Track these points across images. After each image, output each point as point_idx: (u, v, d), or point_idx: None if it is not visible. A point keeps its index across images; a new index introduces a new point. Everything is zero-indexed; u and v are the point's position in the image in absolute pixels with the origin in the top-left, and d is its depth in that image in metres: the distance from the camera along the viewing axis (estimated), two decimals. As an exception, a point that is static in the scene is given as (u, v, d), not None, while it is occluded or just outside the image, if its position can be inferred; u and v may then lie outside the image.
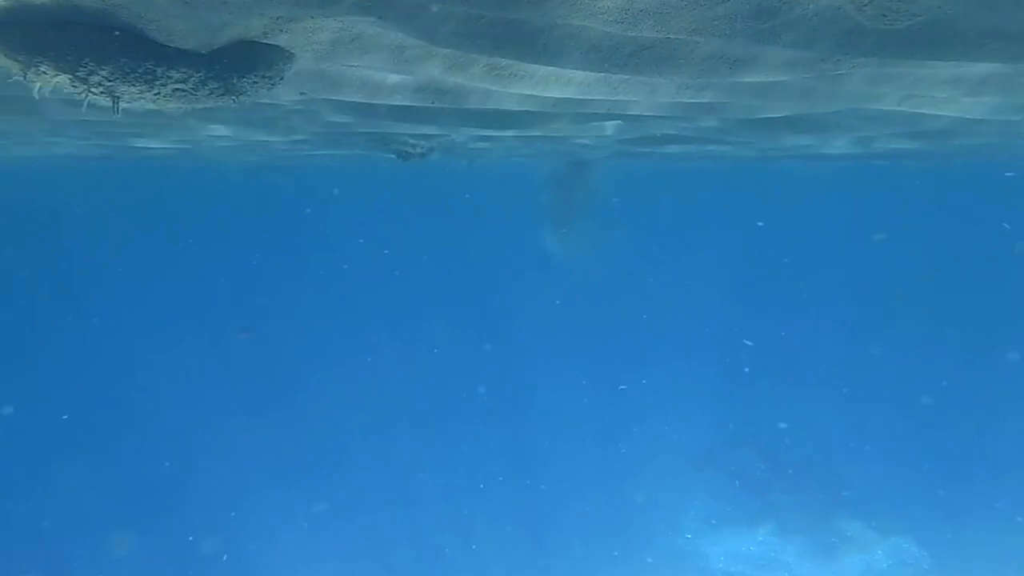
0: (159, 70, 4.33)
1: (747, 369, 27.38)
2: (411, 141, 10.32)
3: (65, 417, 26.79)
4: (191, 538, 21.76)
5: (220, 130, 9.60)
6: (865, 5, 4.25)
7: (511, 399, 28.34)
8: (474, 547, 22.15)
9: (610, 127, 9.36)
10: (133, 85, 4.36)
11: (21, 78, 4.47)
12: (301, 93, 6.35)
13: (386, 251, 36.11)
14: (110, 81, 4.23)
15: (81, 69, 4.18)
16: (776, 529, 20.83)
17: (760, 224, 34.73)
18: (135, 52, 4.20)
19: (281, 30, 4.59)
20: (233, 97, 4.90)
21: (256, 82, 4.84)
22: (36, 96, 4.48)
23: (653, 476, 23.08)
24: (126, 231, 35.78)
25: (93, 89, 4.40)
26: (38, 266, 35.97)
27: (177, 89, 4.53)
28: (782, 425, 22.96)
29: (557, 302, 30.90)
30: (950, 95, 6.72)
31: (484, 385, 28.90)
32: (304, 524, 23.07)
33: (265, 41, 4.71)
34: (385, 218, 35.21)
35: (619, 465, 24.36)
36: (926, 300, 30.48)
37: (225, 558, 21.34)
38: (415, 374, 29.89)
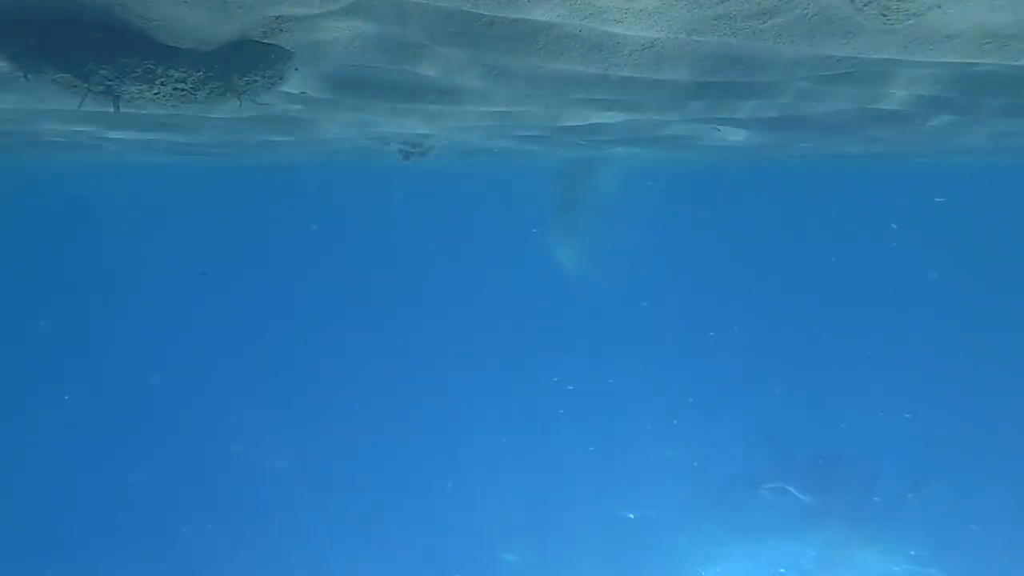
0: (159, 69, 4.35)
1: (762, 375, 27.26)
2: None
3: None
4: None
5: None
6: (865, 5, 4.26)
7: (512, 413, 28.29)
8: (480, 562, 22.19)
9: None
10: (133, 84, 4.39)
11: (22, 78, 4.49)
12: (300, 92, 6.36)
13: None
14: (110, 80, 4.26)
15: (81, 68, 4.21)
16: (794, 538, 20.70)
17: (768, 224, 34.59)
18: (135, 51, 4.22)
19: (281, 29, 4.60)
20: (234, 96, 4.92)
21: (256, 81, 4.86)
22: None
23: (668, 490, 22.87)
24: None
25: (93, 88, 4.43)
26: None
27: (177, 88, 4.55)
28: (802, 431, 22.77)
29: (568, 320, 30.79)
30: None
31: (483, 396, 28.98)
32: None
33: (265, 40, 4.72)
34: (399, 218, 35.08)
35: (629, 475, 24.24)
36: (945, 302, 30.35)
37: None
38: (416, 380, 29.99)
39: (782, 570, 20.41)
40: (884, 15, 4.32)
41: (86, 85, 4.35)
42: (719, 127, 9.21)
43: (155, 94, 4.50)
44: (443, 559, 22.63)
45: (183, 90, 4.57)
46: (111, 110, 4.53)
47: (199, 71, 4.44)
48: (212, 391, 28.89)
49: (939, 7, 4.30)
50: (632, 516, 22.27)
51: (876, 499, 20.91)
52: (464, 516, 23.39)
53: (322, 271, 35.54)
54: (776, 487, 21.13)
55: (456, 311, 34.40)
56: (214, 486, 24.90)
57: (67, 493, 25.17)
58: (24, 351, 30.79)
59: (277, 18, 4.39)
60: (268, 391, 28.67)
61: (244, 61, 4.64)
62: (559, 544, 22.08)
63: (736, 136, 9.79)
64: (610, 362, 29.51)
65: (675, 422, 25.34)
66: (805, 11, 4.41)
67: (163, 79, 4.41)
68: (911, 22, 4.45)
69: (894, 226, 30.77)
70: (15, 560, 22.88)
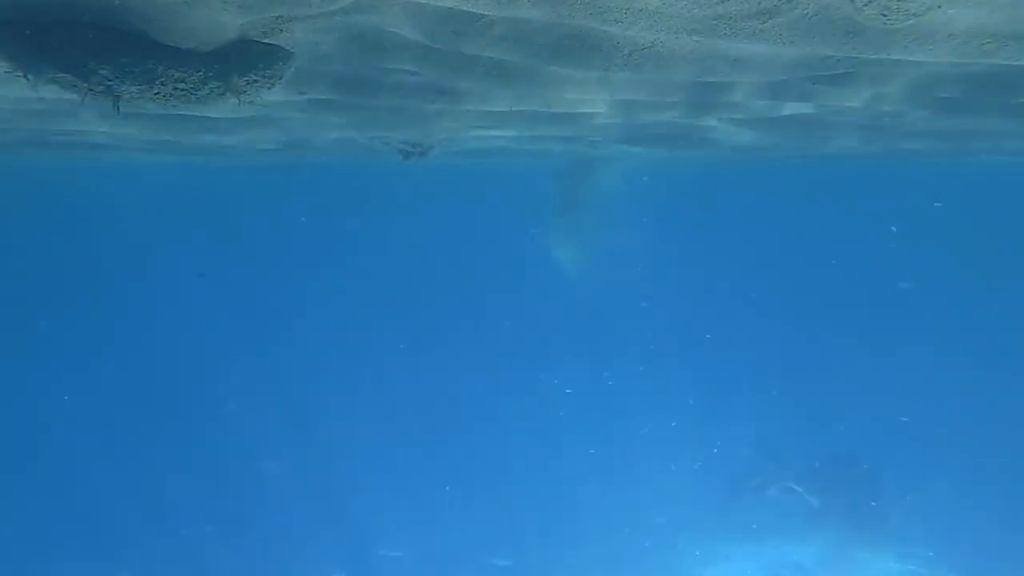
0: (159, 69, 4.35)
1: (763, 376, 27.21)
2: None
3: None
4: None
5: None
6: (865, 5, 4.25)
7: (517, 413, 28.25)
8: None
9: None
10: (133, 84, 4.38)
11: (22, 77, 4.49)
12: (300, 92, 6.36)
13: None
14: (110, 80, 4.25)
15: (81, 68, 4.20)
16: (794, 539, 20.66)
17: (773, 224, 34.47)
18: (135, 51, 4.22)
19: (281, 29, 4.60)
20: (234, 96, 4.92)
21: (256, 81, 4.86)
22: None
23: (668, 491, 22.81)
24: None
25: (94, 88, 4.43)
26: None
27: (177, 88, 4.55)
28: (802, 431, 22.72)
29: (572, 317, 30.72)
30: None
31: (487, 399, 28.96)
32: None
33: (265, 40, 4.72)
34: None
35: (629, 476, 24.20)
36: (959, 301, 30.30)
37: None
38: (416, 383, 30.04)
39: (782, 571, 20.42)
40: (884, 15, 4.31)
41: (86, 85, 4.35)
42: (719, 126, 9.22)
43: (155, 94, 4.50)
44: (442, 561, 22.64)
45: (183, 90, 4.56)
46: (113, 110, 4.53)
47: (199, 71, 4.44)
48: (212, 390, 28.92)
49: (939, 7, 4.30)
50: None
51: (876, 499, 20.89)
52: (462, 518, 23.38)
53: (320, 272, 35.52)
54: (779, 487, 21.10)
55: (455, 312, 34.41)
56: (214, 486, 24.92)
57: (66, 493, 25.19)
58: (24, 351, 30.82)
59: (277, 18, 4.39)
60: (266, 391, 28.70)
61: (244, 61, 4.64)
62: (559, 545, 22.09)
63: (737, 136, 9.79)
64: (610, 363, 29.51)
65: (675, 423, 25.34)
66: (805, 11, 4.41)
67: (163, 79, 4.40)
68: (911, 22, 4.44)
69: (893, 229, 30.75)
70: (15, 560, 22.88)
